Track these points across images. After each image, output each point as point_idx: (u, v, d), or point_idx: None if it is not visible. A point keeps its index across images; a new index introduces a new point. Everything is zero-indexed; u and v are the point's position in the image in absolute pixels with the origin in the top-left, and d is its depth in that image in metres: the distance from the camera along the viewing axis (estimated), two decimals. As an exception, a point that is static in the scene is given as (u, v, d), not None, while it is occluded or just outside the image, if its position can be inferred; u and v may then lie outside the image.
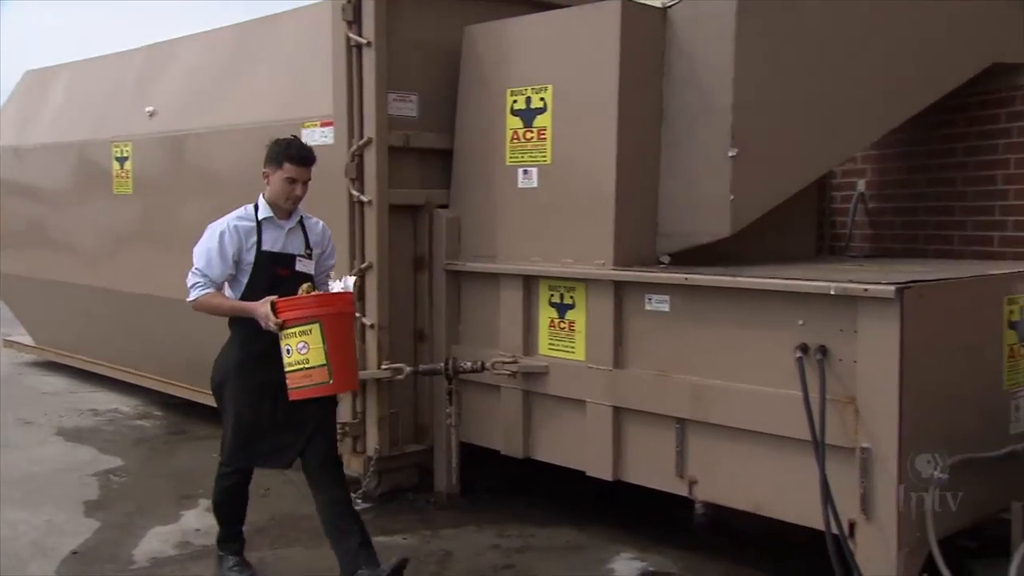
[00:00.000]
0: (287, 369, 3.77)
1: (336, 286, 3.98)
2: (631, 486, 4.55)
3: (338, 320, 3.81)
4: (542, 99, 4.81)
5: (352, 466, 5.44)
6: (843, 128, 4.80)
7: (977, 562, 3.94)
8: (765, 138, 4.48)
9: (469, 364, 4.94)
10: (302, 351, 3.73)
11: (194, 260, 4.01)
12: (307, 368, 3.74)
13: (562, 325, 4.73)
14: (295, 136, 4.29)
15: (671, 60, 4.60)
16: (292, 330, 3.75)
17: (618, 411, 4.49)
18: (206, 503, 5.34)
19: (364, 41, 5.06)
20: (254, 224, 4.01)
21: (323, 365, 3.72)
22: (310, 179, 4.08)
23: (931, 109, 5.10)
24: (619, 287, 4.46)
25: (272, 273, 3.99)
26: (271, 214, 4.04)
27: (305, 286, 3.90)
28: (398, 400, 5.35)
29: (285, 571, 4.46)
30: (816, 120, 4.65)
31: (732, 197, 4.42)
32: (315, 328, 3.72)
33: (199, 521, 5.06)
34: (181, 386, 7.17)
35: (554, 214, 4.79)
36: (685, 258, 4.60)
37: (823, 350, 3.73)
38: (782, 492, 3.92)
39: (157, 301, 7.07)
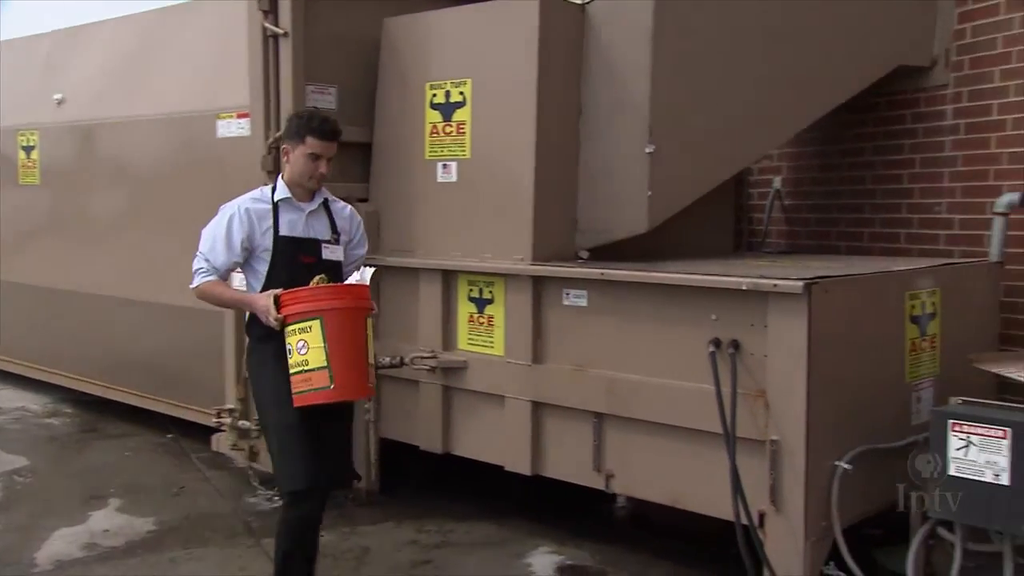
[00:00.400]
0: (290, 371, 3.37)
1: (354, 278, 3.60)
2: (554, 480, 4.56)
3: (344, 316, 3.37)
4: (461, 93, 4.79)
5: (269, 462, 5.37)
6: (758, 126, 4.88)
7: (880, 550, 4.07)
8: (682, 135, 4.53)
9: (388, 359, 4.89)
10: (302, 351, 3.32)
11: (200, 243, 3.62)
12: (306, 371, 3.32)
13: (481, 320, 4.73)
14: (316, 107, 3.90)
15: (589, 56, 4.62)
16: (293, 327, 3.35)
17: (537, 406, 4.51)
18: (116, 502, 5.22)
19: (281, 31, 4.97)
20: (269, 206, 3.61)
21: (323, 368, 3.30)
22: (335, 155, 3.71)
23: (844, 109, 5.22)
24: (537, 282, 4.48)
25: (294, 261, 3.58)
26: (289, 195, 3.64)
27: (318, 278, 3.50)
28: (317, 396, 5.29)
29: (197, 571, 4.36)
30: (732, 117, 4.72)
31: (649, 193, 4.47)
32: (315, 325, 3.31)
33: (108, 521, 4.92)
34: (93, 383, 6.96)
35: (473, 209, 4.78)
36: (605, 253, 4.64)
37: (735, 344, 3.79)
38: (697, 485, 3.98)
39: (66, 295, 6.87)
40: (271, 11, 4.99)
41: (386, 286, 5.20)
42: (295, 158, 3.62)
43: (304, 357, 3.31)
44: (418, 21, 5.06)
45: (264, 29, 5.01)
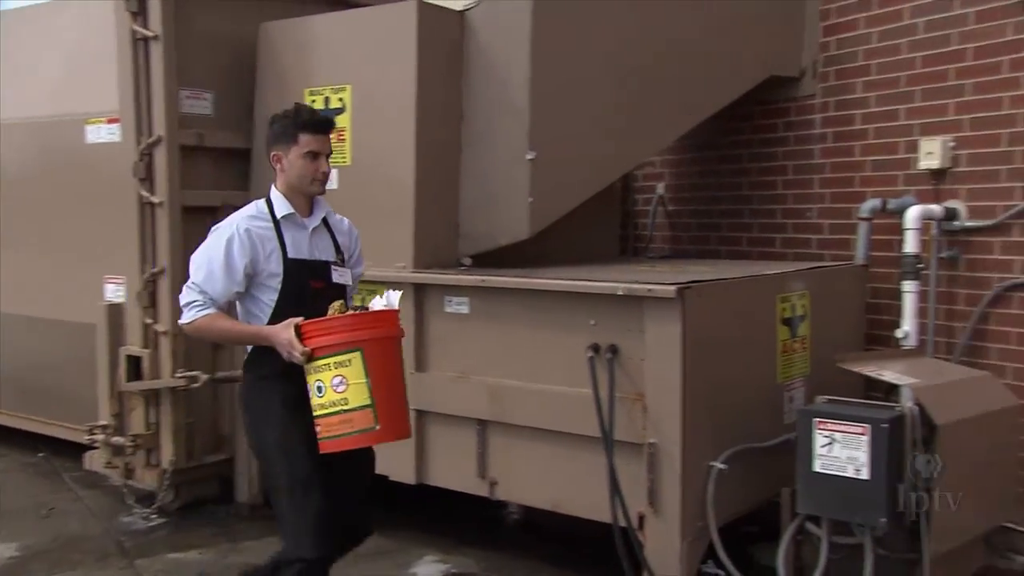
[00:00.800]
0: (318, 412, 2.97)
1: (378, 303, 3.13)
2: (443, 488, 4.52)
3: (385, 347, 3.01)
4: (341, 99, 4.73)
5: (146, 479, 5.21)
6: (639, 131, 4.95)
7: (755, 546, 4.18)
8: (562, 140, 4.57)
9: (269, 370, 4.78)
10: (339, 388, 2.92)
11: (191, 272, 3.17)
12: (346, 411, 2.93)
13: (364, 329, 4.66)
14: (298, 102, 3.53)
15: (470, 61, 4.62)
16: (324, 361, 2.94)
17: (420, 414, 4.46)
18: (-15, 531, 4.95)
19: (151, 34, 4.82)
20: (270, 223, 3.20)
21: (367, 406, 2.92)
22: (332, 152, 3.32)
23: (722, 116, 5.37)
24: (419, 289, 4.44)
25: (305, 286, 3.19)
26: (291, 210, 3.24)
27: (337, 304, 3.09)
28: (196, 409, 5.15)
29: (64, 598, 4.18)
30: (612, 122, 4.77)
31: (531, 199, 4.49)
32: (356, 358, 2.92)
33: (-26, 550, 4.66)
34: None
35: (354, 216, 4.64)
36: (488, 260, 4.63)
37: (614, 349, 3.84)
38: (578, 489, 4.01)
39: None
40: (140, 13, 4.83)
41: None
42: (290, 163, 3.22)
43: (342, 395, 2.93)
44: (296, 26, 4.97)
45: (133, 32, 4.84)
